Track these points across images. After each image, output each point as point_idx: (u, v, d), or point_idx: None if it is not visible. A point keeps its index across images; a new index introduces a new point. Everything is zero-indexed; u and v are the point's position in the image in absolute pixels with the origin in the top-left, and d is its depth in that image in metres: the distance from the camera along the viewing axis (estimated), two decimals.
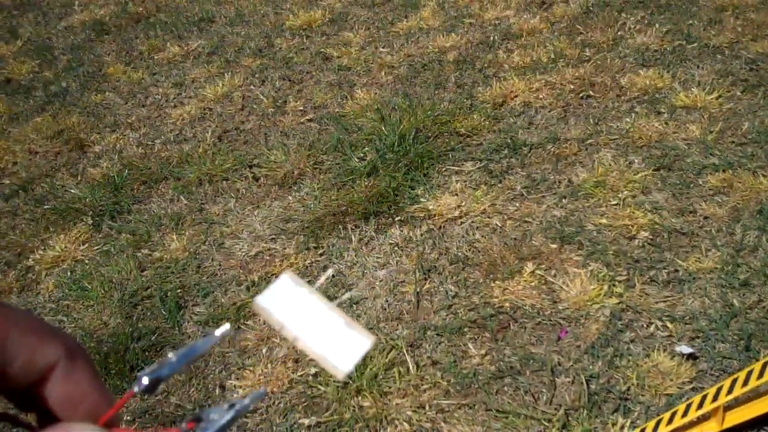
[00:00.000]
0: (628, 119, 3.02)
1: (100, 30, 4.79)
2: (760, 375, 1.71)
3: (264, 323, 2.36)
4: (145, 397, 1.96)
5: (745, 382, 1.73)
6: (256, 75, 3.91)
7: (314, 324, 0.42)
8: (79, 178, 3.33)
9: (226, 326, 0.45)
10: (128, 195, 3.13)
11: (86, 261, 2.81)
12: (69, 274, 2.77)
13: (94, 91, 4.05)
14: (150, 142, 3.49)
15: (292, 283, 0.43)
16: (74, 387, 0.34)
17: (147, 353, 2.36)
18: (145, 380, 0.39)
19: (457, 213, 2.68)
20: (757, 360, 1.86)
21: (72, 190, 3.22)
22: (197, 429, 0.40)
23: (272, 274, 2.57)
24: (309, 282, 0.35)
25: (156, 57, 4.31)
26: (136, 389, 0.39)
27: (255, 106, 3.62)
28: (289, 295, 0.43)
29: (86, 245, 2.89)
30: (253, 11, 4.68)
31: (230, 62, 4.10)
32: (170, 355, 0.41)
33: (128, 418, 2.19)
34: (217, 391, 2.20)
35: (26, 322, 0.33)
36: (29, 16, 5.25)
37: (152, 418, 2.16)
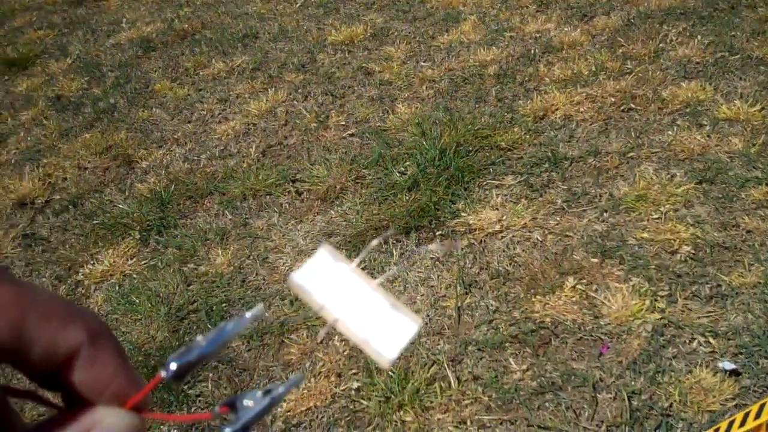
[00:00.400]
0: (669, 132, 3.01)
1: (147, 47, 4.89)
2: None
3: (307, 336, 2.40)
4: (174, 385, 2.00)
5: None
6: (299, 90, 3.96)
7: (356, 304, 0.39)
8: (126, 194, 3.40)
9: (258, 307, 0.41)
10: (175, 210, 3.20)
11: (134, 275, 2.88)
12: (117, 288, 2.83)
13: (141, 108, 4.14)
14: (196, 158, 3.56)
15: (331, 259, 0.41)
16: (99, 371, 0.33)
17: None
18: (173, 366, 0.37)
19: (497, 227, 2.70)
20: None
21: (120, 206, 3.29)
22: (230, 415, 0.38)
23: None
24: (350, 256, 0.34)
25: (201, 73, 4.40)
26: (164, 374, 0.38)
27: (298, 121, 3.67)
28: (328, 272, 0.40)
29: (134, 260, 2.96)
30: (296, 27, 4.74)
31: (274, 78, 4.16)
32: (198, 338, 0.39)
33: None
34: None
35: (47, 305, 0.32)
36: (78, 34, 5.38)
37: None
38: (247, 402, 0.38)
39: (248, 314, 0.39)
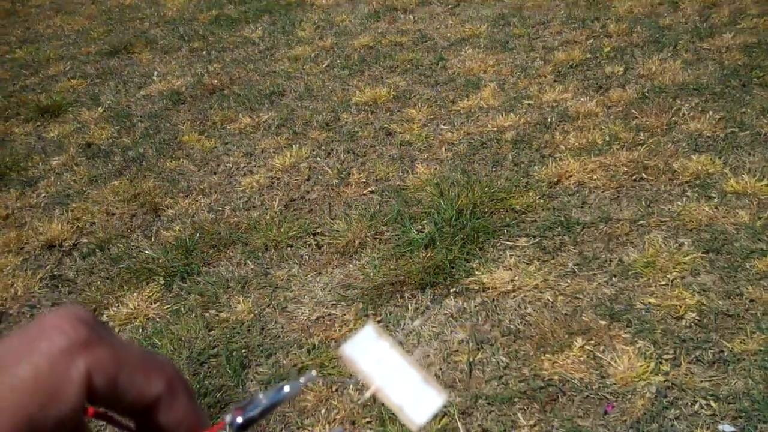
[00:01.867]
0: (679, 202, 3.12)
1: (177, 100, 5.07)
2: None
3: (323, 384, 2.49)
4: None
5: None
6: (323, 147, 4.11)
7: (393, 376, 0.45)
8: (152, 240, 3.53)
9: (312, 373, 0.47)
10: (198, 258, 3.31)
11: (157, 319, 2.99)
12: (141, 330, 2.94)
13: (169, 158, 4.29)
14: (220, 208, 3.69)
15: (375, 335, 0.46)
16: (174, 414, 0.40)
17: (212, 409, 2.50)
18: (239, 419, 0.43)
19: (510, 287, 2.80)
20: None
21: (146, 251, 3.41)
22: (244, 413, 0.43)
23: (332, 338, 2.70)
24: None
25: (228, 127, 4.55)
26: (228, 419, 0.42)
27: (320, 177, 3.81)
28: (371, 346, 0.46)
29: (158, 304, 3.07)
30: (321, 87, 4.92)
31: (298, 134, 4.31)
32: (260, 396, 0.44)
33: None
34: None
35: (133, 360, 0.38)
36: (110, 85, 5.58)
37: None
38: (262, 398, 0.44)
39: (302, 379, 0.46)
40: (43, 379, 0.35)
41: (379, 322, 2.75)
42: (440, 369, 2.49)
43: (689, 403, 2.22)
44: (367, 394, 0.46)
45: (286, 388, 0.45)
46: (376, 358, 0.46)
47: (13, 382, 0.35)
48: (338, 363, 2.59)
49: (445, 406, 2.32)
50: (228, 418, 0.43)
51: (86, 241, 3.62)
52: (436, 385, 0.45)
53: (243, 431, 0.43)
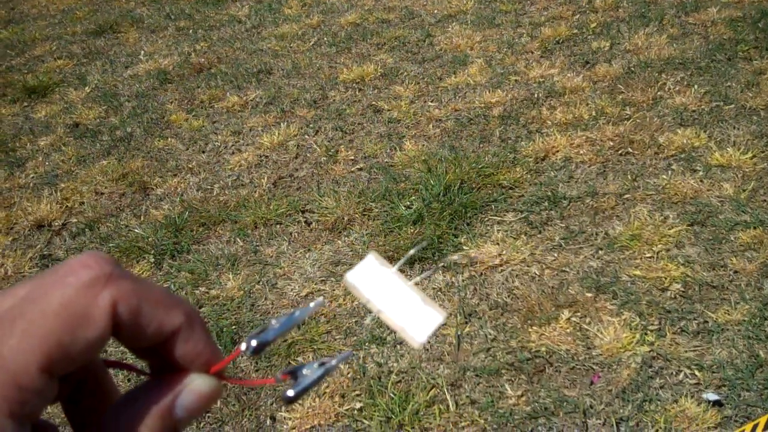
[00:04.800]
0: (664, 176, 3.15)
1: (164, 79, 5.06)
2: None
3: (313, 357, 2.52)
4: (251, 357, 2.12)
5: (766, 427, 1.84)
6: (311, 125, 4.11)
7: (395, 299, 0.46)
8: (142, 219, 3.54)
9: (320, 299, 0.49)
10: (188, 236, 3.33)
11: None
12: None
13: (157, 137, 4.29)
14: (209, 187, 3.70)
15: (377, 263, 0.48)
16: (192, 347, 0.42)
17: None
18: (254, 342, 0.44)
19: (497, 261, 2.83)
20: None
21: (135, 230, 3.43)
22: (290, 381, 0.45)
23: (321, 314, 2.73)
24: (392, 261, 0.44)
25: (216, 106, 4.55)
26: (243, 347, 0.44)
27: (308, 155, 3.82)
28: (374, 273, 0.48)
29: None
30: (308, 65, 4.91)
31: (286, 112, 4.31)
32: (273, 321, 0.45)
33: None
34: (267, 422, 2.36)
35: (154, 294, 0.40)
36: (97, 65, 5.55)
37: None
38: (306, 371, 0.45)
39: (312, 304, 0.48)
40: (71, 307, 0.37)
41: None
42: (428, 342, 2.52)
43: (674, 373, 2.26)
44: (369, 319, 0.48)
45: (297, 313, 0.47)
46: (378, 284, 0.48)
47: (43, 309, 0.36)
48: (328, 338, 2.62)
49: (433, 378, 2.36)
50: (243, 345, 0.45)
51: (75, 220, 3.63)
52: (436, 306, 0.47)
53: (258, 354, 0.45)
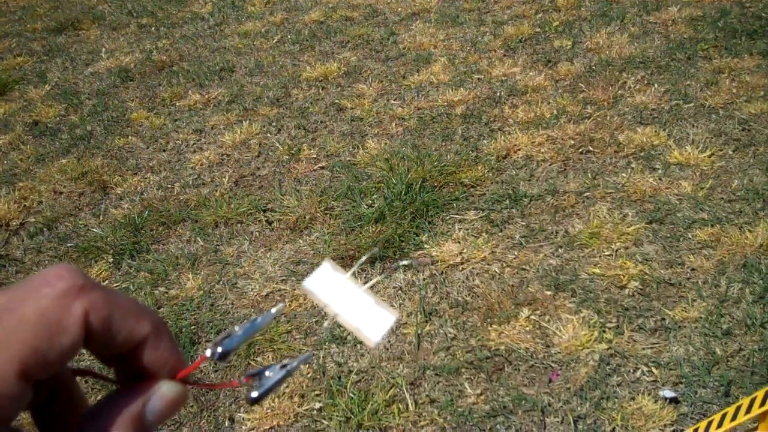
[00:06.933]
0: (624, 174, 3.17)
1: (125, 77, 5.01)
2: (734, 417, 1.84)
3: (273, 359, 2.50)
4: (217, 363, 2.13)
5: (720, 424, 1.85)
6: (273, 123, 4.09)
7: (350, 302, 0.49)
8: (101, 218, 3.49)
9: (280, 305, 0.53)
10: (147, 235, 3.29)
11: None
12: None
13: (117, 135, 4.24)
14: (170, 186, 3.66)
15: (332, 269, 0.51)
16: (160, 354, 0.44)
17: None
18: (219, 349, 0.46)
19: (458, 259, 2.83)
20: None
21: (94, 230, 3.38)
22: (253, 383, 0.47)
23: (282, 314, 2.71)
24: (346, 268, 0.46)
25: (178, 104, 4.51)
26: (208, 354, 0.46)
27: (271, 153, 3.80)
28: (329, 279, 0.51)
29: (106, 282, 3.05)
30: (271, 62, 4.89)
31: (248, 110, 4.29)
32: (236, 328, 0.47)
33: None
34: (226, 423, 2.34)
35: (124, 304, 0.42)
36: (57, 62, 5.48)
37: None
38: (268, 373, 0.48)
39: (273, 310, 0.50)
40: (47, 316, 0.39)
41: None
42: (389, 342, 2.52)
43: (631, 370, 2.27)
44: (327, 323, 0.50)
45: (259, 320, 0.49)
46: (333, 289, 0.50)
47: (20, 317, 0.38)
48: (288, 338, 2.61)
49: (393, 377, 2.35)
50: (208, 352, 0.46)
51: (33, 220, 3.57)
52: (388, 307, 0.49)
53: (223, 360, 0.47)
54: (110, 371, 0.46)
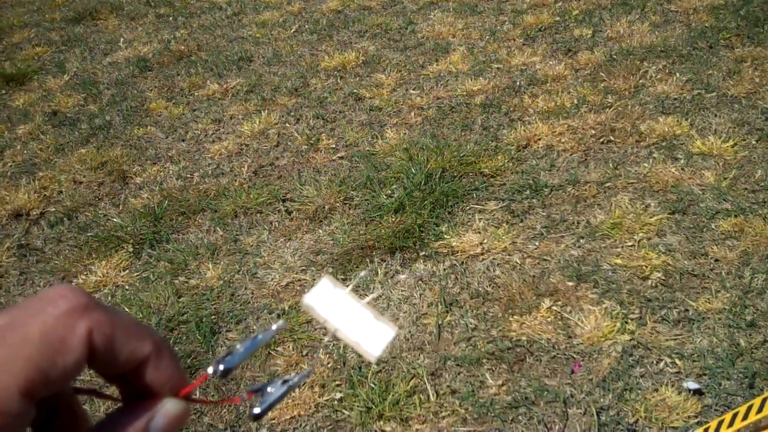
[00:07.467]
0: (646, 164, 3.14)
1: (144, 67, 5.01)
2: (760, 409, 1.82)
3: (293, 348, 2.50)
4: (219, 380, 2.14)
5: (745, 416, 1.83)
6: (292, 113, 4.08)
7: (350, 318, 0.51)
8: (120, 208, 3.50)
9: (281, 322, 0.55)
10: (167, 225, 3.30)
11: (126, 287, 2.97)
12: (110, 298, 2.93)
13: (136, 125, 4.25)
14: (189, 175, 3.66)
15: (331, 285, 0.52)
16: (162, 372, 0.45)
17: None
18: (221, 367, 0.47)
19: (479, 250, 2.81)
20: None
21: (114, 219, 3.39)
22: (255, 399, 0.49)
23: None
24: (336, 273, 0.46)
25: (196, 94, 4.51)
26: (210, 371, 0.47)
27: (289, 143, 3.79)
28: (329, 295, 0.52)
29: (126, 272, 3.05)
30: (290, 52, 4.88)
31: (267, 100, 4.28)
32: (238, 346, 0.48)
33: None
34: (247, 412, 2.33)
35: (126, 324, 0.43)
36: (76, 52, 5.49)
37: None
38: (270, 389, 0.49)
39: (274, 327, 0.51)
40: (51, 334, 0.40)
41: (348, 286, 2.75)
42: (409, 332, 2.51)
43: (654, 362, 2.25)
44: (327, 338, 0.50)
45: (260, 336, 0.50)
46: (333, 304, 0.51)
47: (24, 336, 0.39)
48: (308, 328, 2.60)
49: (414, 368, 2.34)
50: (210, 369, 0.47)
51: (54, 209, 3.59)
52: (387, 321, 0.50)
53: (225, 377, 0.48)
54: (113, 390, 0.47)
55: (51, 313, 0.40)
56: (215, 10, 5.90)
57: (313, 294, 0.52)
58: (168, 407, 0.45)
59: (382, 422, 2.19)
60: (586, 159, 3.26)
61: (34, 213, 3.58)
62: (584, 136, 3.40)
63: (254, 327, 2.65)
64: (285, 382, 0.49)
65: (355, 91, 4.22)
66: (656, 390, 2.16)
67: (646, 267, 2.60)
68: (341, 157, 3.60)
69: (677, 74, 3.80)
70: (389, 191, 3.24)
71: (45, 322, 0.40)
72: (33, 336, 0.39)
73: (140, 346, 0.43)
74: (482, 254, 2.80)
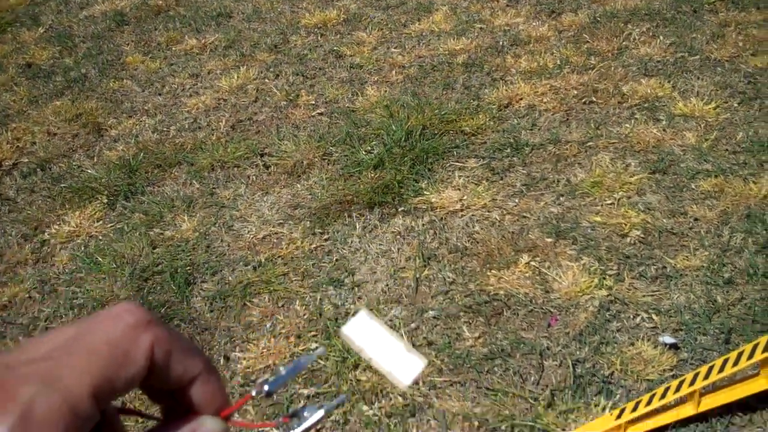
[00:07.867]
0: (627, 125, 3.13)
1: (120, 21, 4.92)
2: (736, 363, 1.82)
3: (269, 300, 2.48)
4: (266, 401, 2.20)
5: (721, 369, 1.83)
6: (271, 69, 4.02)
7: (383, 348, 0.54)
8: (95, 160, 3.44)
9: (321, 349, 0.61)
10: (143, 177, 3.24)
11: (100, 237, 2.93)
12: (83, 248, 2.88)
13: (112, 79, 4.17)
14: (165, 129, 3.61)
15: (368, 317, 0.56)
16: (207, 393, 0.46)
17: None
18: (266, 388, 0.50)
19: (458, 206, 2.79)
20: None
21: (88, 171, 3.33)
22: (292, 423, 0.51)
23: (279, 256, 2.68)
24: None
25: (174, 48, 4.44)
26: (254, 393, 0.50)
27: (268, 99, 3.74)
28: (365, 326, 0.55)
29: (100, 222, 3.01)
30: (270, 8, 4.80)
31: (246, 56, 4.22)
32: (281, 368, 0.51)
33: None
34: (221, 361, 2.31)
35: (183, 342, 0.45)
36: (51, 5, 5.38)
37: None
38: (306, 413, 0.51)
39: (314, 353, 0.55)
40: (117, 345, 0.42)
41: (326, 240, 2.73)
42: (386, 285, 2.49)
43: (631, 316, 2.25)
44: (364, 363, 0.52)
45: (302, 360, 0.53)
46: (369, 335, 0.55)
47: (94, 346, 0.41)
48: (285, 280, 2.57)
49: (390, 320, 2.32)
50: (254, 392, 0.50)
51: (27, 160, 3.52)
52: (417, 353, 0.53)
53: (269, 397, 0.56)
54: (153, 408, 0.49)
55: (117, 327, 0.42)
56: None
57: (351, 325, 0.56)
58: (209, 424, 0.47)
59: (357, 371, 2.17)
60: (567, 119, 3.24)
61: (7, 164, 3.52)
62: (566, 97, 3.38)
63: (230, 278, 2.62)
64: (321, 407, 0.52)
65: (335, 48, 4.16)
66: (632, 344, 2.16)
67: (626, 225, 2.59)
68: (321, 114, 3.56)
69: (661, 37, 3.78)
70: (369, 147, 3.20)
71: (113, 333, 0.42)
72: (101, 347, 0.41)
73: (193, 364, 0.45)
74: (461, 210, 2.78)
